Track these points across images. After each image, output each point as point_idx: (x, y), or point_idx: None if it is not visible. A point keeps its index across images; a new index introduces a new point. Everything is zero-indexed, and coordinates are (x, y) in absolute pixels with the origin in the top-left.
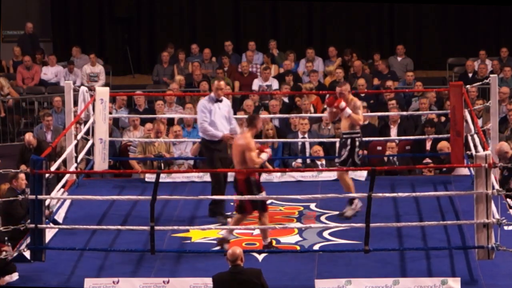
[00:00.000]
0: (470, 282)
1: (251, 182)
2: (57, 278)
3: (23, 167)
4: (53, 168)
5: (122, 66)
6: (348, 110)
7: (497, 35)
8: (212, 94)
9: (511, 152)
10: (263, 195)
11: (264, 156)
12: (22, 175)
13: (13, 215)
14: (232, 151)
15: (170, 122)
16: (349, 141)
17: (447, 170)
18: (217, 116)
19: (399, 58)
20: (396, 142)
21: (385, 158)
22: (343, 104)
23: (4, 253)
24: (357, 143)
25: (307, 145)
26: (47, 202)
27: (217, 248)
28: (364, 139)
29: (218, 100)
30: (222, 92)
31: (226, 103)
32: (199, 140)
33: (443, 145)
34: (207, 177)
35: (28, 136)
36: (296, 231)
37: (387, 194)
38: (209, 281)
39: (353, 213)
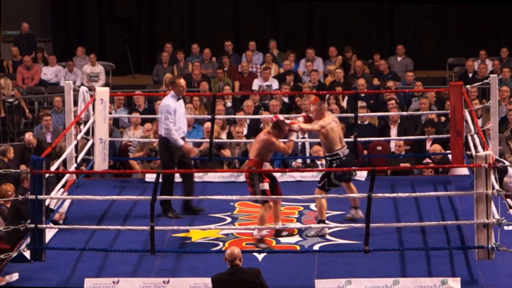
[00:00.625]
0: (470, 282)
1: (252, 173)
2: (57, 278)
3: (23, 167)
4: (53, 168)
5: (122, 66)
6: (299, 119)
7: (497, 35)
8: (173, 92)
9: None
10: (265, 185)
11: (293, 136)
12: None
13: (22, 212)
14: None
15: None
16: (327, 164)
17: (443, 171)
18: (180, 115)
19: (399, 58)
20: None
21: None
22: (300, 119)
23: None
24: (334, 165)
25: (307, 145)
26: (47, 202)
27: (257, 248)
28: (364, 139)
29: (179, 98)
30: (184, 89)
31: (183, 101)
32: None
33: (435, 148)
34: (207, 177)
35: (28, 136)
36: (296, 231)
37: (387, 194)
38: (209, 281)
39: (315, 234)
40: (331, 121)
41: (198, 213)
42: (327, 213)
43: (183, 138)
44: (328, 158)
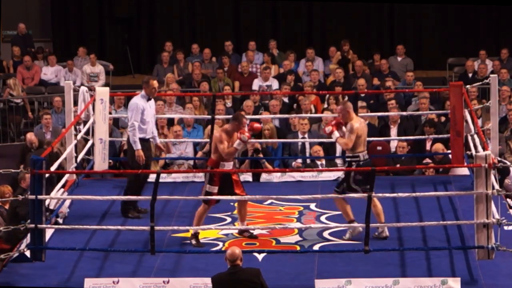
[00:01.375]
0: (470, 282)
1: (207, 173)
2: (57, 278)
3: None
4: (52, 168)
5: (122, 66)
6: (335, 135)
7: (497, 35)
8: (144, 92)
9: None
10: (212, 189)
11: (237, 144)
12: (28, 175)
13: (19, 213)
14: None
15: (170, 122)
16: (346, 165)
17: (444, 170)
18: (149, 115)
19: (399, 58)
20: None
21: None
22: (329, 128)
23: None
24: (353, 167)
25: (307, 145)
26: (47, 202)
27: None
28: None
29: (149, 99)
30: (155, 90)
31: (153, 102)
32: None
33: (438, 147)
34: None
35: (30, 136)
36: (296, 231)
37: (387, 194)
38: (209, 281)
39: (350, 236)
40: (361, 122)
41: (141, 215)
42: (327, 213)
43: (152, 138)
44: (347, 159)
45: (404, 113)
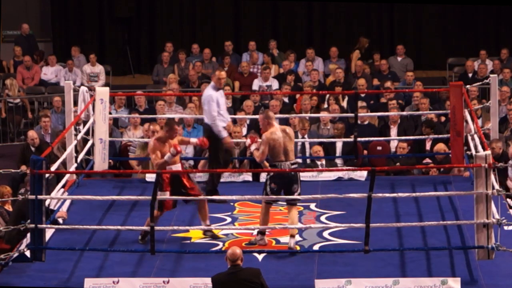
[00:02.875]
0: (470, 282)
1: (158, 180)
2: (57, 278)
3: (23, 167)
4: (52, 169)
5: (122, 66)
6: (252, 147)
7: (497, 35)
8: (213, 83)
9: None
10: (160, 194)
11: (167, 157)
12: None
13: (25, 215)
14: None
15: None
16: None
17: (445, 170)
18: (222, 106)
19: (399, 58)
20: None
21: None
22: (247, 141)
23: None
24: (268, 176)
25: (307, 145)
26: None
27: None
28: (364, 139)
29: (219, 89)
30: (223, 81)
31: (222, 92)
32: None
33: (440, 147)
34: (207, 177)
35: (32, 133)
36: (296, 231)
37: (387, 194)
38: (209, 281)
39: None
40: (276, 133)
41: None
42: (327, 213)
43: (225, 128)
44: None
45: (404, 113)
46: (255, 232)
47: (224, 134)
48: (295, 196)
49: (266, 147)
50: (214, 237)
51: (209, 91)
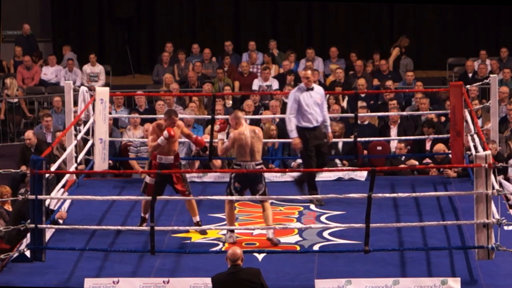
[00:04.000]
0: (470, 282)
1: (158, 180)
2: (57, 278)
3: (23, 168)
4: (53, 169)
5: (122, 66)
6: (219, 136)
7: (497, 35)
8: (302, 84)
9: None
10: (149, 179)
11: (160, 140)
12: None
13: (25, 216)
14: None
15: None
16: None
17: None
18: (310, 104)
19: None
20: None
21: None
22: (217, 127)
23: None
24: (233, 175)
25: None
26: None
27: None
28: (364, 139)
29: (309, 89)
30: (308, 80)
31: (318, 90)
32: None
33: (440, 147)
34: (206, 178)
35: (28, 133)
36: (296, 231)
37: (387, 194)
38: (209, 281)
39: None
40: (244, 133)
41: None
42: (327, 213)
43: (323, 126)
44: (234, 166)
45: (404, 113)
46: (255, 232)
47: (294, 134)
48: (295, 197)
49: (231, 144)
50: (203, 232)
51: (292, 91)
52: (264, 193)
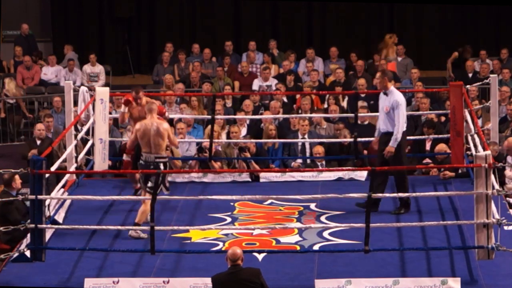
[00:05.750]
0: (470, 282)
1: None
2: (57, 278)
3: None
4: (53, 169)
5: (122, 66)
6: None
7: (497, 35)
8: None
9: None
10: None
11: (122, 108)
12: (17, 176)
13: (9, 219)
14: None
15: (170, 122)
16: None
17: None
18: (380, 109)
19: (399, 58)
20: None
21: None
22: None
23: None
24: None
25: (307, 146)
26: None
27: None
28: (364, 139)
29: (384, 93)
30: (377, 84)
31: (388, 98)
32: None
33: (442, 147)
34: (206, 178)
35: (40, 125)
36: (296, 231)
37: (387, 194)
38: (209, 281)
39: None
40: (146, 124)
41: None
42: (327, 213)
43: (380, 134)
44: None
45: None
46: (255, 232)
47: (373, 139)
48: (295, 196)
49: (133, 136)
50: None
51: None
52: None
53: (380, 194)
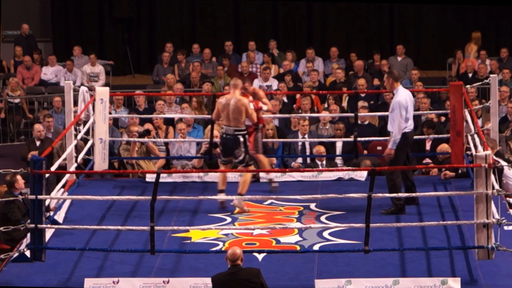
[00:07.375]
0: (470, 282)
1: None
2: (57, 278)
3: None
4: (53, 168)
5: (122, 66)
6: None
7: (497, 35)
8: None
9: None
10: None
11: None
12: (19, 176)
13: (10, 219)
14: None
15: (170, 122)
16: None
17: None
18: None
19: (399, 58)
20: None
21: None
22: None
23: None
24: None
25: (307, 145)
26: (47, 202)
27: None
28: (364, 139)
29: (393, 93)
30: (387, 86)
31: (394, 98)
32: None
33: (443, 147)
34: (207, 177)
35: (38, 126)
36: (296, 231)
37: (387, 194)
38: (209, 281)
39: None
40: (227, 99)
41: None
42: (327, 213)
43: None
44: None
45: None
46: (255, 232)
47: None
48: (295, 196)
49: (216, 108)
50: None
51: None
52: (243, 161)
53: (401, 194)
